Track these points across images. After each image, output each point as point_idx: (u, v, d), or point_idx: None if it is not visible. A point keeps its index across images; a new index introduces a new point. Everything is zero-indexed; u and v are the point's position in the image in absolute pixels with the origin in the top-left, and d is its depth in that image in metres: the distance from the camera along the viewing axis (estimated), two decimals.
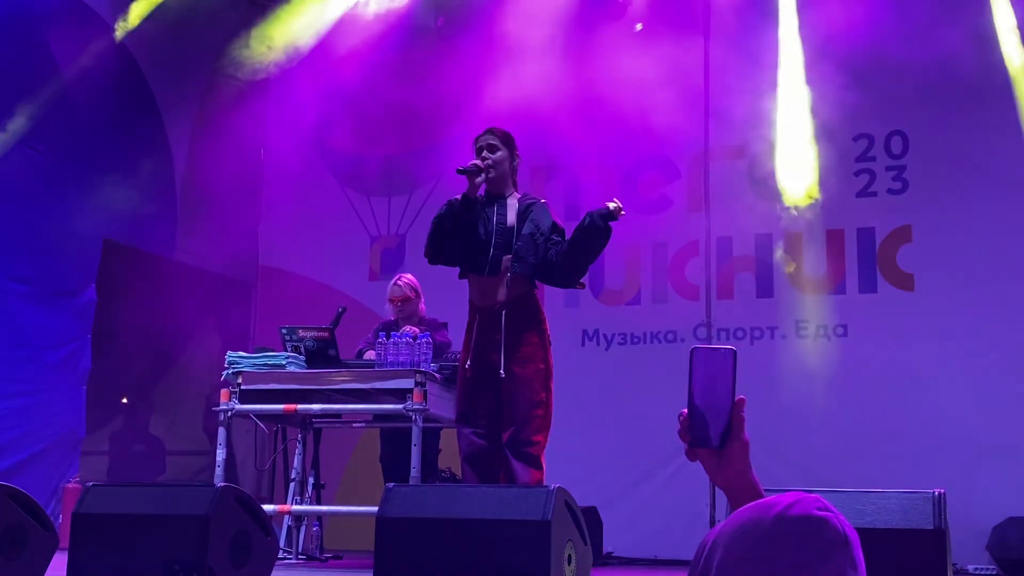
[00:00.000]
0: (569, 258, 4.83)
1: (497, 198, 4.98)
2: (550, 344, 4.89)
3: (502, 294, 4.84)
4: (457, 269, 5.06)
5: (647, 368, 8.13)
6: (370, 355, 5.99)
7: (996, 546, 7.10)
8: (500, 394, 4.78)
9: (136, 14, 8.17)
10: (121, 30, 8.10)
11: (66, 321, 7.80)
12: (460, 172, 4.89)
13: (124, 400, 9.22)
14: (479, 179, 4.84)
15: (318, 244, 9.60)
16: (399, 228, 9.50)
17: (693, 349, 1.73)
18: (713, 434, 1.59)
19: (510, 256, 4.84)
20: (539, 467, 4.72)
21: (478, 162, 4.86)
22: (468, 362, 4.87)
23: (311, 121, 9.32)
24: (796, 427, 7.67)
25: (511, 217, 4.93)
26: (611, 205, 4.68)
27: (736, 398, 1.69)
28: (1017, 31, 7.84)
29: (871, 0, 7.83)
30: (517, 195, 5.06)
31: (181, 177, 9.00)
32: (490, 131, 5.01)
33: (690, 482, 7.39)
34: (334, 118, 9.36)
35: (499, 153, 4.93)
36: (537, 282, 5.01)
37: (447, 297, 6.30)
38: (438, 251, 4.95)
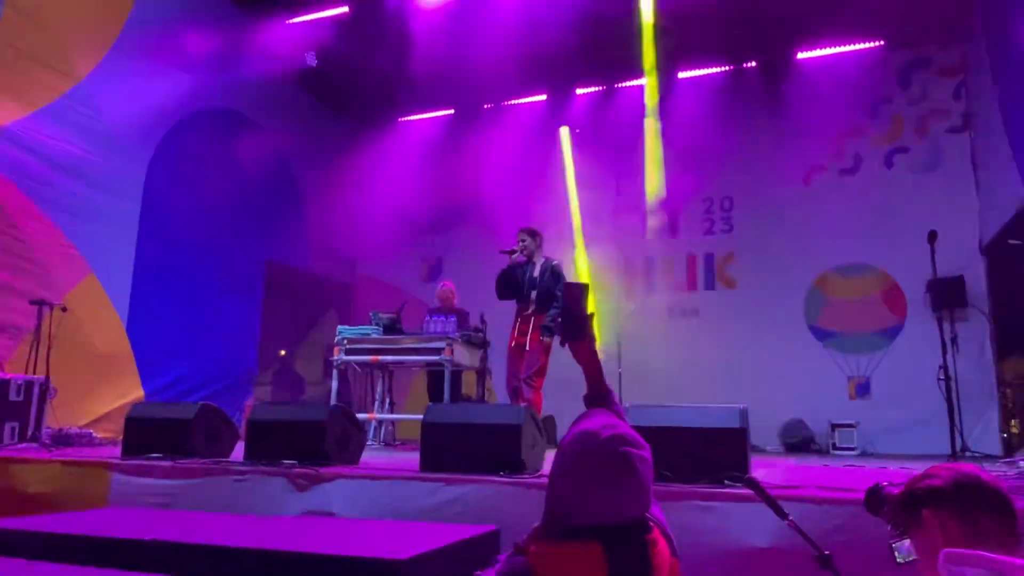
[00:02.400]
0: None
1: (530, 262, 5.39)
2: (553, 335, 5.21)
3: (531, 311, 5.28)
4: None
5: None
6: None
7: (783, 435, 7.24)
8: (525, 356, 5.24)
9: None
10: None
11: (245, 307, 7.87)
12: (502, 252, 5.40)
13: (281, 353, 9.25)
14: (514, 256, 5.32)
15: (392, 261, 9.51)
16: (438, 252, 9.50)
17: (564, 284, 1.85)
18: (576, 333, 1.70)
19: (536, 292, 5.31)
20: (538, 393, 5.20)
21: (515, 246, 5.36)
22: (513, 342, 5.32)
23: (391, 189, 9.26)
24: (669, 366, 7.46)
25: (536, 272, 5.36)
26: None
27: (589, 312, 1.77)
28: None
29: (712, 114, 7.81)
30: (542, 259, 5.43)
31: (312, 223, 9.00)
32: (523, 230, 5.48)
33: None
34: (404, 187, 9.29)
35: (527, 241, 5.38)
36: None
37: (473, 293, 6.40)
38: (502, 295, 5.41)
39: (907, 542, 1.32)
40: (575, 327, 1.70)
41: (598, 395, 1.74)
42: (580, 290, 1.71)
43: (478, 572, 1.38)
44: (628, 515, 1.32)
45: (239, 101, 7.75)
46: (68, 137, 5.82)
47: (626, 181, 8.48)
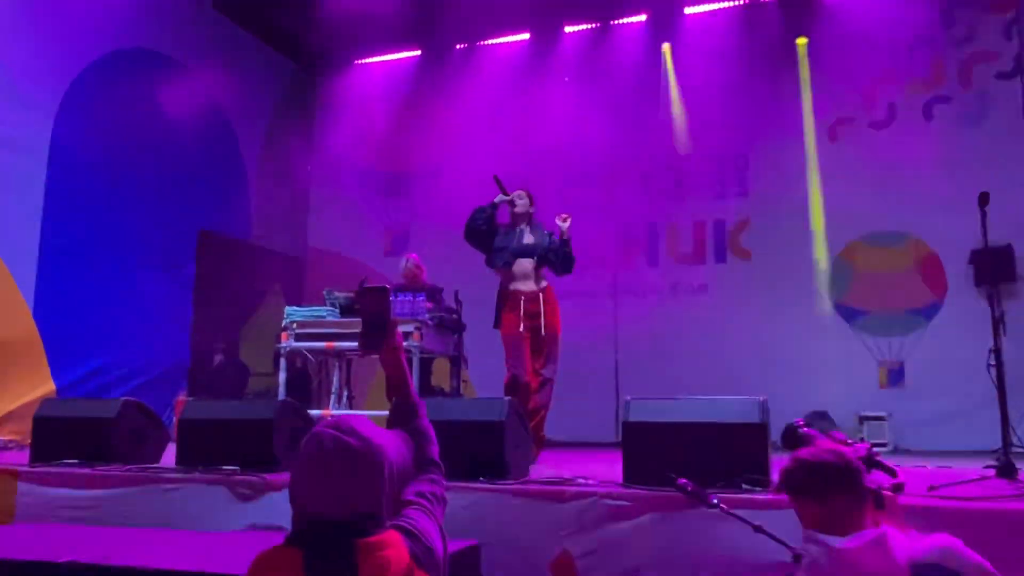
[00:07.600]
0: (558, 267, 5.13)
1: (517, 228, 5.17)
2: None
3: (531, 285, 5.02)
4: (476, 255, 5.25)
5: (573, 318, 7.97)
6: None
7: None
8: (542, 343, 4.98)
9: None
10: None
11: (175, 286, 7.75)
12: (495, 179, 5.20)
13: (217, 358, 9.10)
14: (501, 199, 5.15)
15: (350, 231, 9.42)
16: (405, 220, 9.34)
17: (363, 289, 1.83)
18: (377, 341, 1.73)
19: (529, 260, 5.03)
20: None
21: (510, 196, 5.16)
22: (521, 325, 4.93)
23: (347, 145, 9.17)
24: (675, 351, 7.60)
25: (528, 239, 5.09)
26: (562, 225, 5.05)
27: (391, 318, 1.80)
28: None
29: (723, 57, 7.84)
30: (539, 225, 5.22)
31: (253, 186, 8.89)
32: (524, 191, 5.22)
33: (600, 394, 7.44)
34: (363, 142, 9.18)
35: (525, 201, 5.18)
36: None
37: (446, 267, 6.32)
38: (469, 235, 5.18)
39: None
40: (376, 335, 1.74)
41: (403, 407, 1.77)
42: (381, 293, 1.76)
43: None
44: (334, 509, 1.33)
45: (156, 38, 7.57)
46: None
47: (622, 132, 8.35)
